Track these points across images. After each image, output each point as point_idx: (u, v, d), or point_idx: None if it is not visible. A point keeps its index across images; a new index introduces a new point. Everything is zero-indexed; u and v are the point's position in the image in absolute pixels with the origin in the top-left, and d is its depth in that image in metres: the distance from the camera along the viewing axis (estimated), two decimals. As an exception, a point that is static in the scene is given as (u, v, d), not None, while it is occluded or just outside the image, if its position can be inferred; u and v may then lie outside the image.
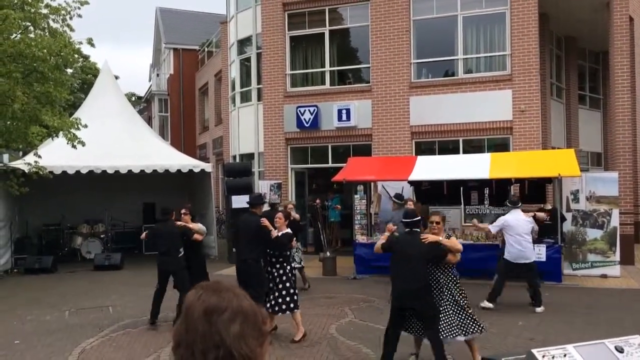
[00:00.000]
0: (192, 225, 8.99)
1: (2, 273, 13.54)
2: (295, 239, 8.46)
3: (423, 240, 6.20)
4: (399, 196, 10.79)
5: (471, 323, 6.34)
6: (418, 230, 6.39)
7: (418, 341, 6.56)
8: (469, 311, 6.41)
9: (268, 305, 7.56)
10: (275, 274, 7.71)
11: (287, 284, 7.66)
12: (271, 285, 7.70)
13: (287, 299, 7.60)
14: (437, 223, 6.57)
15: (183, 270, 8.59)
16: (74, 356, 7.20)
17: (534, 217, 10.27)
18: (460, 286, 6.53)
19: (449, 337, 6.24)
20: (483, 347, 6.98)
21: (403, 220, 6.54)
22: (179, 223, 8.87)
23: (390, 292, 6.41)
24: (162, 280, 8.64)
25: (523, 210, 10.05)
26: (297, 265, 11.29)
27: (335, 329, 8.27)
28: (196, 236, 8.89)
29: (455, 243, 6.41)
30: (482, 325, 6.43)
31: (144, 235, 9.53)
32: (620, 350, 2.90)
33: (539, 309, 9.07)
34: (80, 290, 11.75)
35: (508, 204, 10.05)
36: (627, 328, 7.31)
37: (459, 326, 6.29)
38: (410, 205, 10.49)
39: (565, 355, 2.82)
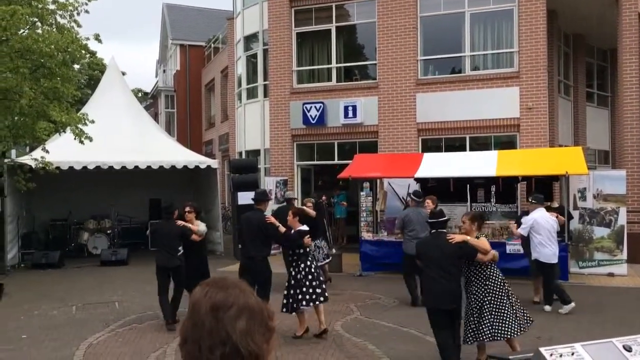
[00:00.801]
0: (192, 225, 8.96)
1: (9, 268, 13.61)
2: (310, 236, 8.04)
3: (450, 241, 6.09)
4: (417, 193, 10.46)
5: (487, 329, 6.09)
6: (444, 231, 6.29)
7: (481, 347, 6.40)
8: (491, 315, 6.13)
9: (286, 304, 7.47)
10: (293, 273, 7.58)
11: (303, 281, 7.46)
12: (289, 283, 7.56)
13: (299, 296, 7.43)
14: (463, 222, 6.41)
15: (180, 267, 8.59)
16: (80, 351, 7.23)
17: (557, 217, 9.76)
18: (494, 286, 6.21)
19: (467, 342, 6.20)
20: (489, 346, 6.97)
21: (428, 220, 6.48)
22: (179, 222, 8.86)
23: (424, 295, 6.33)
24: (160, 278, 8.58)
25: (527, 211, 9.86)
26: (320, 263, 11.17)
27: (341, 325, 8.27)
28: (194, 237, 8.84)
29: (483, 243, 6.17)
30: (502, 332, 6.15)
31: (149, 232, 9.55)
32: (628, 349, 2.88)
33: (566, 308, 8.84)
34: (87, 285, 11.80)
35: (532, 200, 9.45)
36: (635, 327, 7.26)
37: (475, 330, 6.16)
38: (429, 203, 10.24)
39: (573, 354, 2.80)
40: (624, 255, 11.99)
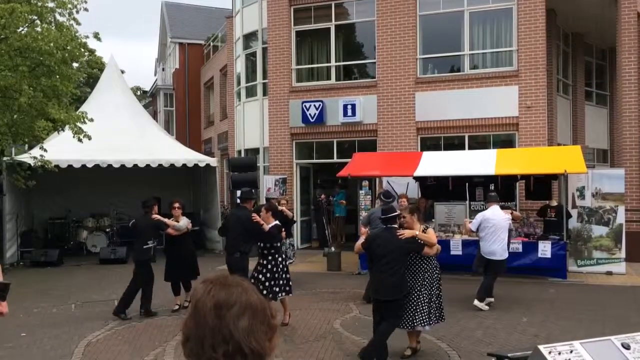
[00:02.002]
0: (167, 220, 9.12)
1: (8, 266, 13.60)
2: (284, 233, 8.58)
3: (400, 236, 6.39)
4: (387, 194, 10.62)
5: (437, 312, 6.73)
6: (395, 226, 6.55)
7: (412, 335, 6.79)
8: (439, 301, 6.81)
9: (266, 293, 7.68)
10: (269, 266, 7.89)
11: (280, 273, 7.92)
12: (261, 277, 7.84)
13: (276, 288, 7.83)
14: (403, 217, 6.82)
15: (144, 263, 8.88)
16: (79, 349, 7.24)
17: (512, 214, 9.99)
18: (439, 277, 6.87)
19: (418, 326, 6.61)
20: (489, 343, 7.00)
21: (381, 217, 6.72)
22: (153, 216, 9.06)
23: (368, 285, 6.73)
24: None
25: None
26: (289, 262, 11.34)
27: (340, 323, 8.29)
28: (169, 231, 9.08)
29: (430, 237, 6.66)
30: (443, 316, 6.87)
31: (130, 224, 9.73)
32: (626, 347, 2.90)
33: (478, 303, 8.90)
34: (86, 283, 11.81)
35: (487, 198, 9.78)
36: (633, 325, 7.29)
37: (427, 314, 6.62)
38: (403, 202, 10.46)
39: (571, 352, 2.82)
40: (623, 254, 12.01)
